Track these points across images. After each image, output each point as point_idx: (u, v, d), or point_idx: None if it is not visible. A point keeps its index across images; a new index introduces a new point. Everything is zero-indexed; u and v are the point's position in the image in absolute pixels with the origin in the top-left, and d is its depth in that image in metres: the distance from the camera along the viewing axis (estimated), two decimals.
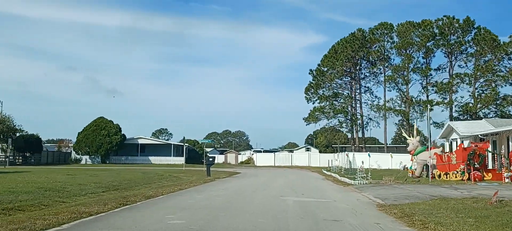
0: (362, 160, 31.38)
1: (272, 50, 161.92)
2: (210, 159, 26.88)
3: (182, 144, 58.63)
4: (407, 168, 41.35)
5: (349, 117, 51.04)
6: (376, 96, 54.34)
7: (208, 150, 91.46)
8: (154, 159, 55.60)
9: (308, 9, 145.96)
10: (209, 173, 26.18)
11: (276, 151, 70.38)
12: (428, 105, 45.56)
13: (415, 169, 26.61)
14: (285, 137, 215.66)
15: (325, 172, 36.61)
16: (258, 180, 24.02)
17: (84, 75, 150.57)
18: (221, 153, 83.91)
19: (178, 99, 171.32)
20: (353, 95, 51.58)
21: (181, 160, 55.22)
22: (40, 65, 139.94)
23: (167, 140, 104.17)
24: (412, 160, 25.81)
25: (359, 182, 21.17)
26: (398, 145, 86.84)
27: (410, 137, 26.83)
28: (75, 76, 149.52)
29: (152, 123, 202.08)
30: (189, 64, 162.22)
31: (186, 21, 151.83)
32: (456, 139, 29.99)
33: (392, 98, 46.58)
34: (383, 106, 47.55)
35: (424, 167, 24.58)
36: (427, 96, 47.13)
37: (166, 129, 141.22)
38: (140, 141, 56.42)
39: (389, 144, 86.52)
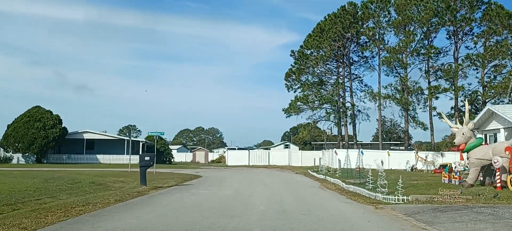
0: (382, 159, 21.94)
1: (247, 48, 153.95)
2: (146, 158, 16.73)
3: (142, 140, 47.83)
4: (416, 168, 32.52)
5: (338, 107, 41.77)
6: (366, 85, 45.53)
7: (175, 147, 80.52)
8: (104, 158, 44.66)
9: (283, 8, 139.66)
10: (144, 180, 16.08)
11: (251, 149, 60.42)
12: (433, 91, 36.96)
13: (459, 172, 17.39)
14: (260, 135, 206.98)
15: (314, 174, 27.10)
16: (221, 194, 14.01)
17: (51, 70, 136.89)
18: (191, 150, 73.30)
19: (150, 96, 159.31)
20: (342, 82, 42.28)
21: (137, 159, 44.55)
22: (4, 59, 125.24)
23: (136, 137, 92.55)
24: (461, 158, 16.30)
25: (396, 197, 11.64)
26: (381, 142, 78.58)
27: (456, 124, 17.46)
28: (42, 71, 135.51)
29: (122, 120, 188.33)
30: (162, 61, 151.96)
31: (160, 18, 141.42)
32: (499, 129, 21.01)
33: (392, 84, 37.58)
34: (378, 94, 38.45)
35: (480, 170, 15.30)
36: (429, 82, 38.39)
37: (134, 126, 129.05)
38: (86, 136, 45.28)
39: (370, 141, 78.36)
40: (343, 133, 44.22)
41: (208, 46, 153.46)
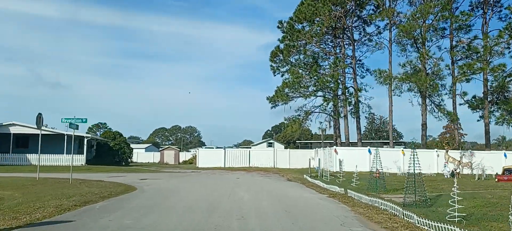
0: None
1: (229, 48, 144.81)
2: None
3: (86, 135, 36.65)
4: (458, 172, 23.15)
5: (337, 94, 32.15)
6: (367, 70, 36.31)
7: (143, 146, 69.43)
8: (41, 158, 33.47)
9: (265, 8, 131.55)
10: None
11: (229, 148, 50.04)
12: (466, 70, 27.68)
13: None
14: (241, 135, 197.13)
15: (318, 183, 17.33)
16: None
17: (25, 67, 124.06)
18: (160, 149, 62.22)
19: (128, 95, 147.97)
20: (342, 61, 32.52)
21: (81, 159, 33.74)
22: None
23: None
24: None
25: None
26: (374, 140, 69.50)
27: None
28: (15, 68, 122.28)
29: (95, 118, 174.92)
30: (140, 59, 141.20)
31: (140, 16, 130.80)
32: None
33: (412, 61, 27.94)
34: (389, 76, 28.94)
35: None
36: (453, 62, 29.19)
37: (105, 124, 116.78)
38: (14, 130, 34.11)
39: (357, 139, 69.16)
40: (342, 127, 34.66)
41: (188, 45, 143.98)
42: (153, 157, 57.27)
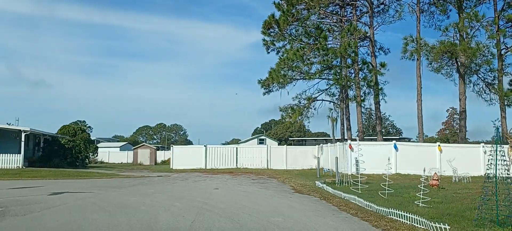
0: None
1: (215, 46, 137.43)
2: None
3: (24, 128, 27.86)
4: None
5: (347, 74, 24.71)
6: (380, 48, 29.17)
7: (118, 145, 61.01)
8: None
9: (251, 6, 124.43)
10: None
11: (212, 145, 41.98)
12: None
13: None
14: (229, 134, 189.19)
15: (362, 202, 9.57)
16: None
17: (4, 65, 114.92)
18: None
19: (113, 94, 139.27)
20: (356, 30, 24.99)
21: (18, 160, 25.52)
22: None
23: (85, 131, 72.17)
24: None
25: None
26: (372, 137, 62.23)
27: None
28: None
29: (78, 117, 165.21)
30: (125, 58, 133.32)
31: (124, 14, 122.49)
32: None
33: (457, 23, 20.47)
34: (420, 46, 21.56)
35: None
36: (498, 26, 21.95)
37: (84, 121, 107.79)
38: None
39: (356, 136, 61.79)
40: (353, 118, 27.26)
41: (173, 43, 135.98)
42: (127, 156, 49.26)
